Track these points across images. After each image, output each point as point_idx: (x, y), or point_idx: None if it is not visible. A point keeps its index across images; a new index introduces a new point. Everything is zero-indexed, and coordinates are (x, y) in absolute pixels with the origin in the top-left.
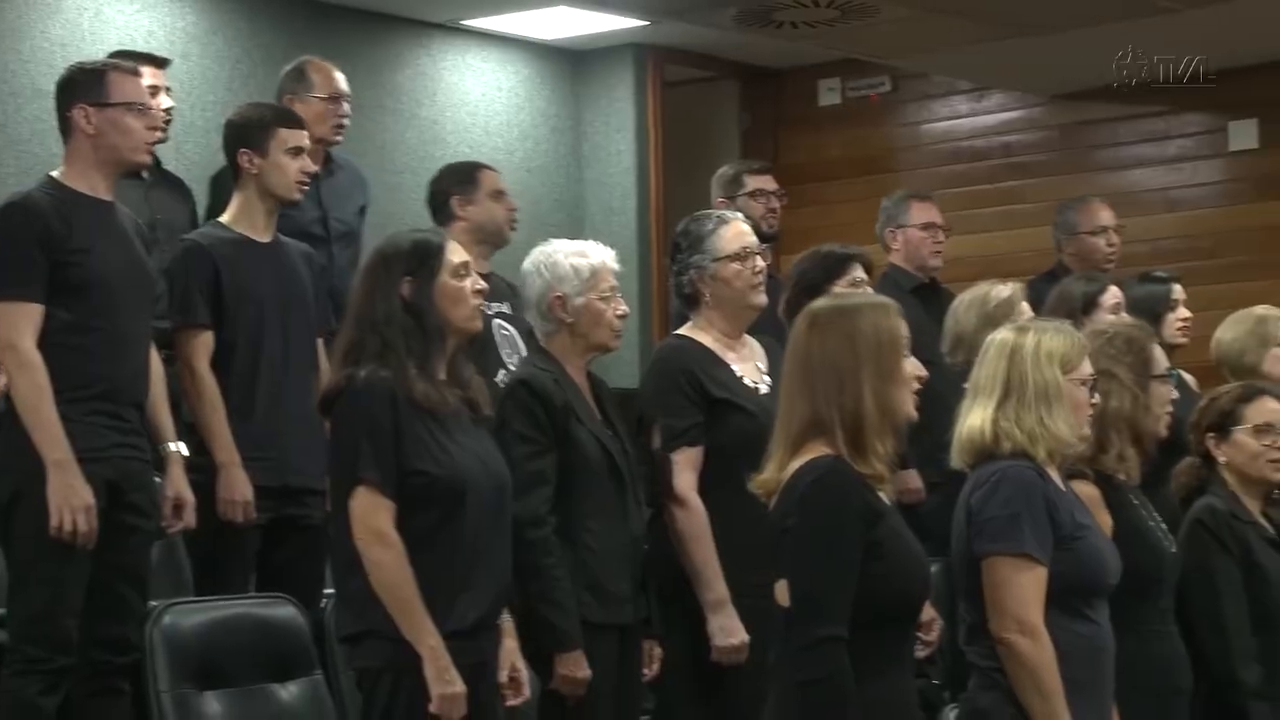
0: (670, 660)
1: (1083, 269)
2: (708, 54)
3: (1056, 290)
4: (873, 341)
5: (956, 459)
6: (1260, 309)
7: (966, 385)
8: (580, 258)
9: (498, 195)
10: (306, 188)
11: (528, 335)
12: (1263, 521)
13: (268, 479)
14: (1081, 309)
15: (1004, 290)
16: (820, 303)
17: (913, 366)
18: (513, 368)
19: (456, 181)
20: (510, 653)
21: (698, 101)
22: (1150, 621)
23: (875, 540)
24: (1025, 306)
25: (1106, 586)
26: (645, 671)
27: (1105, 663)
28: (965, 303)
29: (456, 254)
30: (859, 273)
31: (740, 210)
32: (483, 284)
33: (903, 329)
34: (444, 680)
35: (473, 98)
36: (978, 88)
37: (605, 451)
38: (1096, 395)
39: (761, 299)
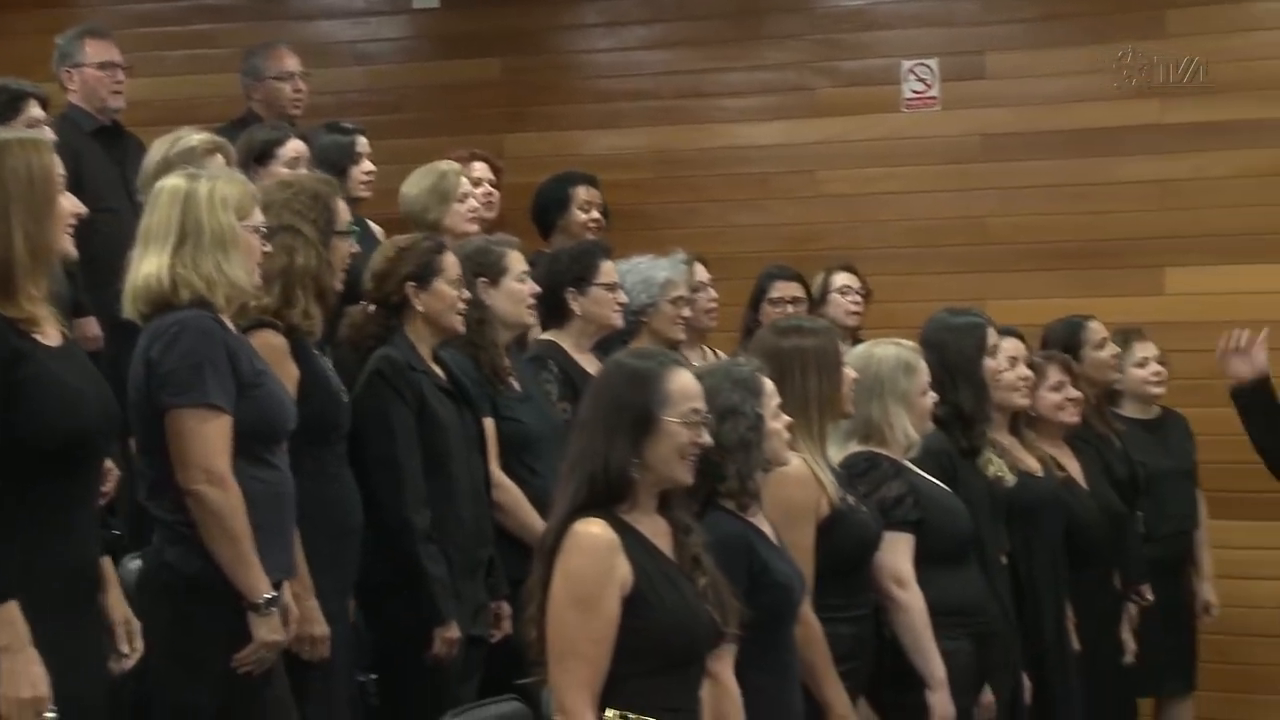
0: None
1: (270, 115)
2: None
3: (241, 138)
4: (24, 179)
5: (129, 309)
6: (443, 164)
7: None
8: None
9: None
10: None
11: None
12: (436, 370)
13: None
14: (258, 158)
15: (194, 138)
16: None
17: (70, 203)
18: None
19: None
20: None
21: None
22: (329, 465)
23: (16, 382)
24: (221, 159)
25: (285, 432)
26: None
27: (288, 506)
28: (168, 143)
29: None
30: (35, 110)
31: None
32: None
33: (56, 165)
34: None
35: None
36: None
37: None
38: (269, 245)
39: None
